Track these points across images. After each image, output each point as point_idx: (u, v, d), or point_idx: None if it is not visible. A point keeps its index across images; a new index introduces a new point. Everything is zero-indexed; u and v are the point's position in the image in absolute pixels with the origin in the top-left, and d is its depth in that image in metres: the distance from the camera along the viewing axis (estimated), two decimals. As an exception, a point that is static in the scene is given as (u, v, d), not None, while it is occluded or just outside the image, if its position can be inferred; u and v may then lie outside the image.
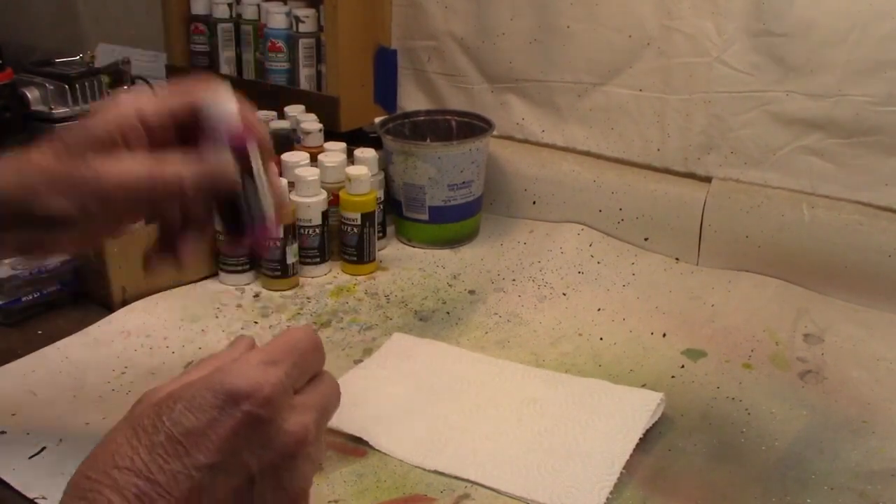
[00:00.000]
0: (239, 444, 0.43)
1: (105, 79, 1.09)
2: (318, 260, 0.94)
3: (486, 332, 0.85)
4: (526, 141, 1.10)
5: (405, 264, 0.99)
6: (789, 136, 0.92)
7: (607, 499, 0.62)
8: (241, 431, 0.43)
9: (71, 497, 0.43)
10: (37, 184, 0.55)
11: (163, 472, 0.41)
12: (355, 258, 0.95)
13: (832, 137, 0.90)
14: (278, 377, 0.45)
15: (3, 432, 0.69)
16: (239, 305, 0.89)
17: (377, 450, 0.67)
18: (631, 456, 0.66)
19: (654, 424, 0.70)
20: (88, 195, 0.55)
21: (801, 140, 0.92)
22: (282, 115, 1.09)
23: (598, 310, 0.89)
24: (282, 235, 0.89)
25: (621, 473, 0.64)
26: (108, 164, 0.55)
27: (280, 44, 1.15)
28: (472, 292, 0.92)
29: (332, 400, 0.50)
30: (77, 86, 1.05)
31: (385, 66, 1.16)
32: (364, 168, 0.94)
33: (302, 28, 1.14)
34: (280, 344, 0.47)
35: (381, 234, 1.00)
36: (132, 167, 0.56)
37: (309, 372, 0.48)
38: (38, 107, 1.04)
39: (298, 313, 0.88)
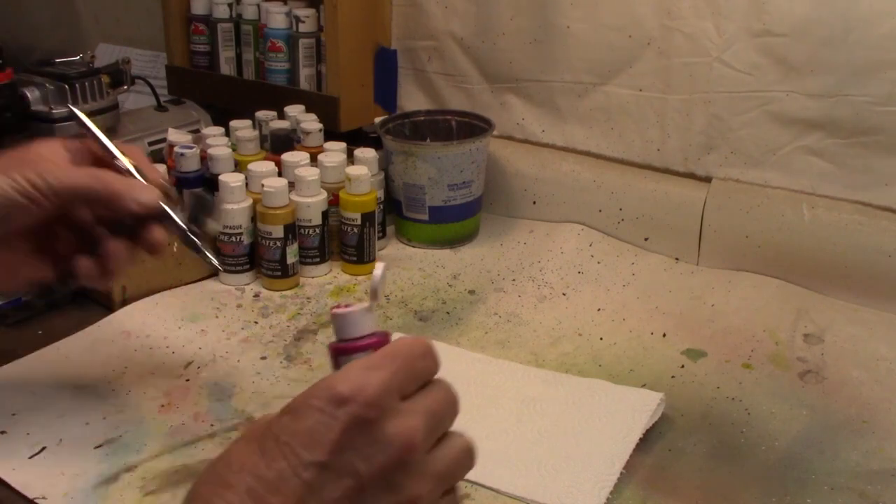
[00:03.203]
0: (344, 445, 0.43)
1: (105, 79, 1.09)
2: (318, 260, 0.94)
3: (486, 332, 0.85)
4: (526, 141, 1.10)
5: (405, 264, 0.98)
6: (789, 136, 0.92)
7: (607, 499, 0.62)
8: (345, 432, 0.43)
9: (200, 490, 0.44)
10: None
11: (271, 469, 0.42)
12: (355, 258, 0.95)
13: (832, 137, 0.90)
14: (381, 379, 0.44)
15: (3, 432, 0.69)
16: (239, 305, 0.89)
17: (377, 450, 0.67)
18: (631, 456, 0.66)
19: (654, 424, 0.70)
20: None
21: (801, 140, 0.92)
22: (282, 115, 1.09)
23: (598, 310, 0.89)
24: (282, 235, 0.90)
25: (621, 473, 0.64)
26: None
27: (280, 44, 1.16)
28: (472, 292, 0.92)
29: (446, 406, 0.47)
30: (77, 86, 1.05)
31: (385, 66, 1.16)
32: (364, 168, 0.94)
33: (302, 28, 1.14)
34: (384, 351, 0.47)
35: (381, 234, 1.00)
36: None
37: (418, 378, 0.47)
38: (38, 107, 1.04)
39: (298, 313, 0.88)
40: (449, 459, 0.46)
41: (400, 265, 0.98)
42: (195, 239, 0.68)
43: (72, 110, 0.67)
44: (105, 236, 0.65)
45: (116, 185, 0.61)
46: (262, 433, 0.44)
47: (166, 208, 0.65)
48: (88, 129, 0.65)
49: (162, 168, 0.95)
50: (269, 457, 0.43)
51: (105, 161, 0.66)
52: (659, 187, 0.99)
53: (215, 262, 0.71)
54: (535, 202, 1.07)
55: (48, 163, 0.60)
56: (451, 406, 0.48)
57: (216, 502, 0.42)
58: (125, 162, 0.64)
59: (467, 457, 0.47)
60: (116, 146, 0.66)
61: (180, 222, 0.67)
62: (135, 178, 0.64)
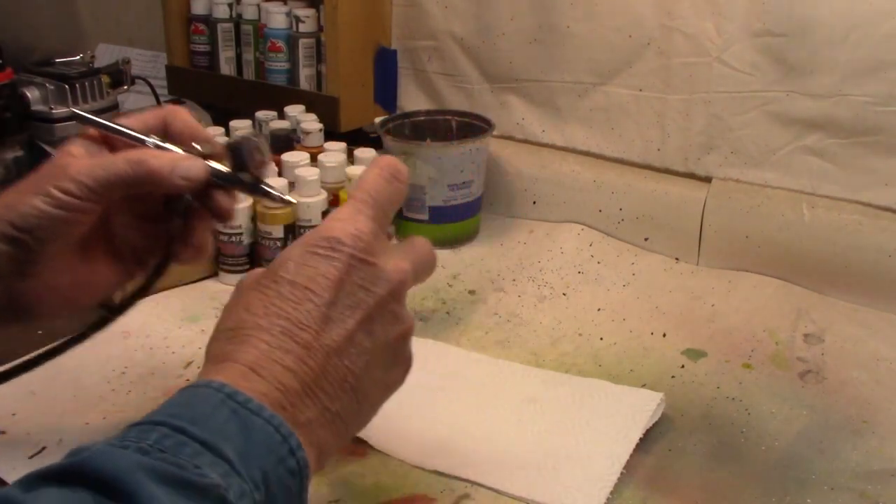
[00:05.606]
0: (352, 282, 0.49)
1: (105, 79, 1.09)
2: (318, 260, 0.94)
3: (487, 332, 0.85)
4: (526, 141, 1.10)
5: (405, 264, 0.98)
6: (789, 136, 0.92)
7: (607, 499, 0.62)
8: (351, 271, 0.49)
9: (222, 342, 0.49)
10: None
11: (297, 310, 0.48)
12: (355, 258, 0.95)
13: (832, 137, 0.90)
14: (369, 225, 0.51)
15: (2, 432, 0.69)
16: (239, 305, 0.89)
17: (377, 450, 0.67)
18: (631, 456, 0.66)
19: (654, 424, 0.70)
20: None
21: (801, 140, 0.92)
22: (282, 115, 1.09)
23: (598, 310, 0.89)
24: (282, 236, 0.90)
25: (621, 473, 0.64)
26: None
27: (280, 44, 1.16)
28: (472, 292, 0.92)
29: (425, 255, 0.55)
30: (77, 86, 1.04)
31: (385, 66, 1.16)
32: (364, 168, 0.94)
33: (302, 28, 1.14)
34: (360, 196, 0.52)
35: (381, 234, 1.00)
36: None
37: (389, 216, 0.54)
38: (38, 107, 1.04)
39: (298, 313, 0.88)
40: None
41: (400, 265, 0.98)
42: (264, 187, 0.61)
43: (73, 112, 0.62)
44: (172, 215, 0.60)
45: (154, 164, 0.55)
46: (270, 282, 0.49)
47: (219, 167, 0.59)
48: (96, 124, 0.58)
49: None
50: (294, 300, 0.48)
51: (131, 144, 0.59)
52: (659, 187, 0.99)
53: (291, 199, 0.70)
54: (535, 202, 1.07)
55: (77, 164, 0.55)
56: (430, 256, 0.55)
57: (256, 344, 0.47)
58: (149, 141, 0.57)
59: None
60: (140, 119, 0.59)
61: (242, 178, 0.60)
62: (171, 150, 0.56)
